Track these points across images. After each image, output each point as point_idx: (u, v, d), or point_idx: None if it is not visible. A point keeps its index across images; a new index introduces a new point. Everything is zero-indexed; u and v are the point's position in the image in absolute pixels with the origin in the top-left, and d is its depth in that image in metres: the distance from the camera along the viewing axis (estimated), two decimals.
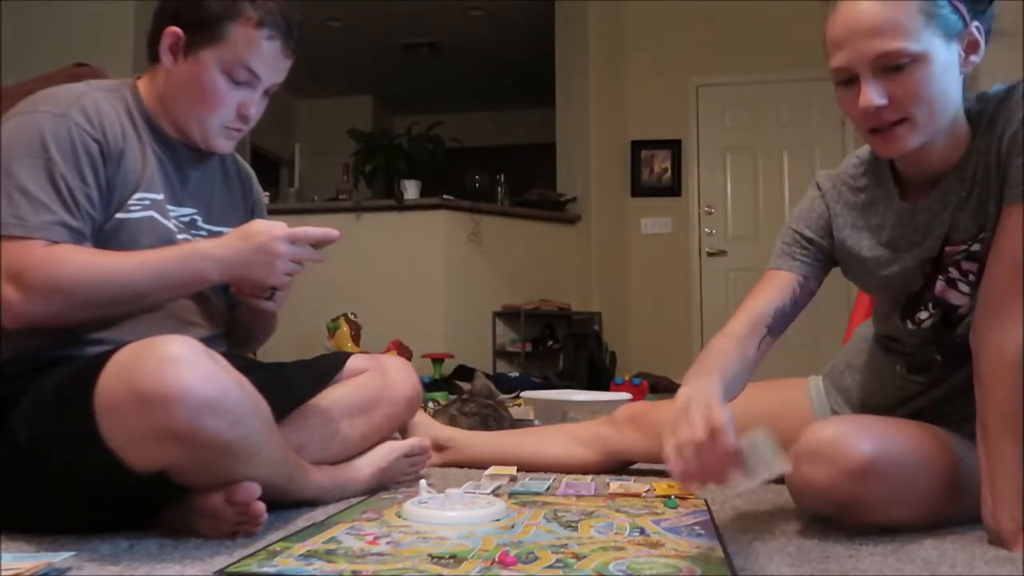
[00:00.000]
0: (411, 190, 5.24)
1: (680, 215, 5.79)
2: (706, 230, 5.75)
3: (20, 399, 1.17)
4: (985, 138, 1.19)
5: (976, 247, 1.23)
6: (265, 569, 1.01)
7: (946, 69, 1.15)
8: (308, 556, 1.06)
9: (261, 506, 1.16)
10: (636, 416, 1.72)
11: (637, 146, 5.82)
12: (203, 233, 1.43)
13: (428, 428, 1.84)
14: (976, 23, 1.17)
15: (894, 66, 1.12)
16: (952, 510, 1.23)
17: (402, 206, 5.14)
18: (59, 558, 1.01)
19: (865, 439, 1.15)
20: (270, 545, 1.12)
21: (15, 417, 1.16)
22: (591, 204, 5.65)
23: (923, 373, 1.35)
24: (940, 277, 1.28)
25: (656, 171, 5.82)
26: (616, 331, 5.52)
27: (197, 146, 1.41)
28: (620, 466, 1.76)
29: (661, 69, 5.80)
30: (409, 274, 5.06)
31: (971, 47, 1.18)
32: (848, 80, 1.17)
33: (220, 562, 1.05)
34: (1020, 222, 1.13)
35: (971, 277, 1.25)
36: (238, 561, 1.04)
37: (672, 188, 5.78)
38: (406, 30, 7.00)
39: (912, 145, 1.18)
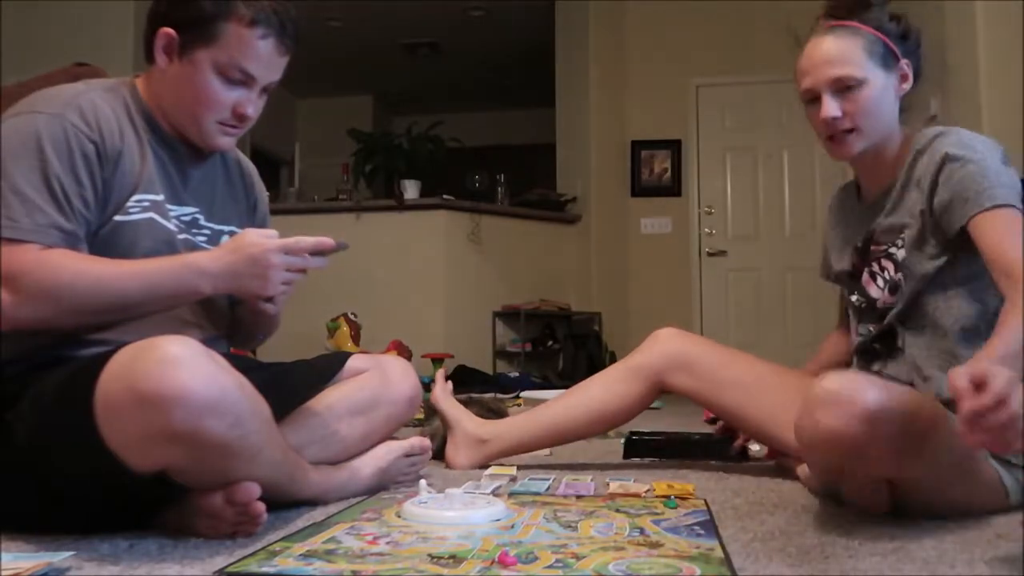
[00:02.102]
0: (411, 190, 5.24)
1: (680, 215, 5.79)
2: (706, 230, 5.75)
3: (20, 399, 1.17)
4: (912, 167, 1.49)
5: (893, 250, 1.51)
6: (265, 569, 1.01)
7: (884, 92, 1.50)
8: (308, 556, 1.06)
9: (261, 506, 1.16)
10: (659, 334, 1.83)
11: (637, 146, 5.82)
12: (205, 231, 1.42)
13: (466, 427, 1.85)
14: (906, 60, 1.52)
15: (846, 87, 1.48)
16: (956, 487, 1.29)
17: (402, 206, 5.13)
18: (59, 558, 1.01)
19: (872, 387, 1.22)
20: (270, 545, 1.12)
21: (15, 417, 1.16)
22: (591, 204, 5.65)
23: (872, 362, 1.57)
24: (866, 268, 1.57)
25: (656, 171, 5.82)
26: (616, 331, 5.52)
27: (196, 145, 1.40)
28: (658, 392, 1.78)
29: (661, 69, 5.80)
30: (409, 274, 5.06)
31: (903, 78, 1.52)
32: (813, 99, 1.52)
33: (220, 562, 1.05)
34: (989, 225, 1.35)
35: (887, 275, 1.52)
36: (238, 561, 1.04)
37: (672, 188, 5.78)
38: (406, 30, 7.00)
39: (858, 149, 1.51)
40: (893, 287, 1.51)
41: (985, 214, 1.36)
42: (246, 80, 1.34)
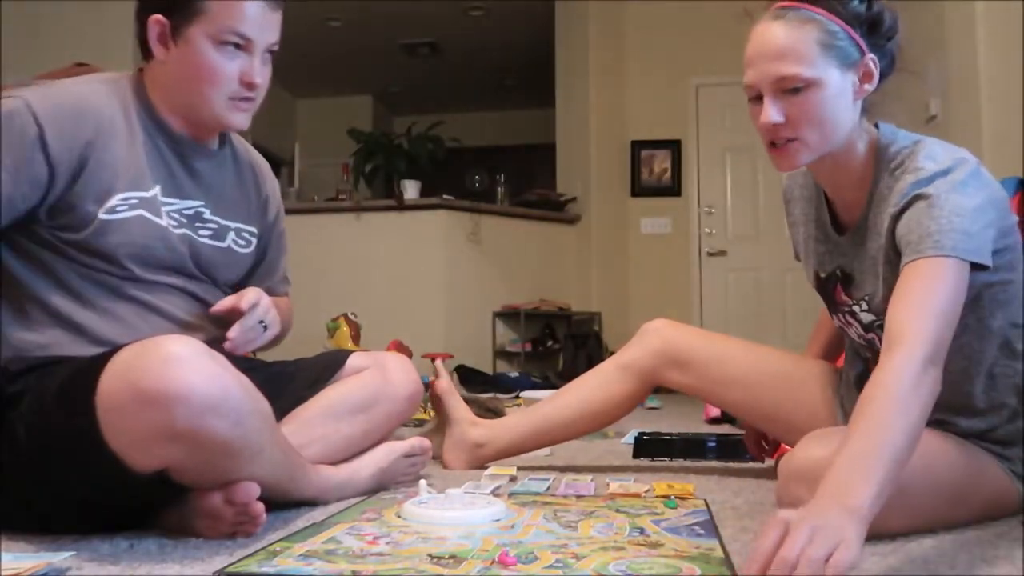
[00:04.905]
0: (411, 190, 5.23)
1: (680, 215, 5.78)
2: (706, 230, 5.75)
3: (22, 399, 1.17)
4: (883, 200, 1.28)
5: (856, 308, 1.37)
6: (265, 569, 1.01)
7: (838, 95, 1.26)
8: (308, 556, 1.06)
9: (260, 506, 1.16)
10: (649, 328, 1.75)
11: (637, 146, 5.82)
12: (211, 225, 1.41)
13: (464, 430, 1.83)
14: (872, 56, 1.28)
15: (792, 88, 1.26)
16: (953, 515, 1.23)
17: (402, 206, 5.13)
18: (59, 558, 1.01)
19: None
20: (270, 545, 1.12)
21: (16, 417, 1.16)
22: (591, 204, 5.65)
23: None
24: (836, 315, 1.44)
25: (656, 171, 5.81)
26: (616, 331, 5.51)
27: (206, 135, 1.39)
28: (651, 389, 1.75)
29: (661, 69, 5.79)
30: (409, 274, 5.06)
31: (866, 77, 1.28)
32: (756, 97, 1.33)
33: (220, 562, 1.05)
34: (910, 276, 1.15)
35: (856, 331, 1.39)
36: (238, 561, 1.04)
37: (672, 188, 5.78)
38: (406, 30, 7.00)
39: (803, 162, 1.31)
40: (869, 330, 1.37)
41: (917, 263, 1.15)
42: (244, 45, 1.32)
